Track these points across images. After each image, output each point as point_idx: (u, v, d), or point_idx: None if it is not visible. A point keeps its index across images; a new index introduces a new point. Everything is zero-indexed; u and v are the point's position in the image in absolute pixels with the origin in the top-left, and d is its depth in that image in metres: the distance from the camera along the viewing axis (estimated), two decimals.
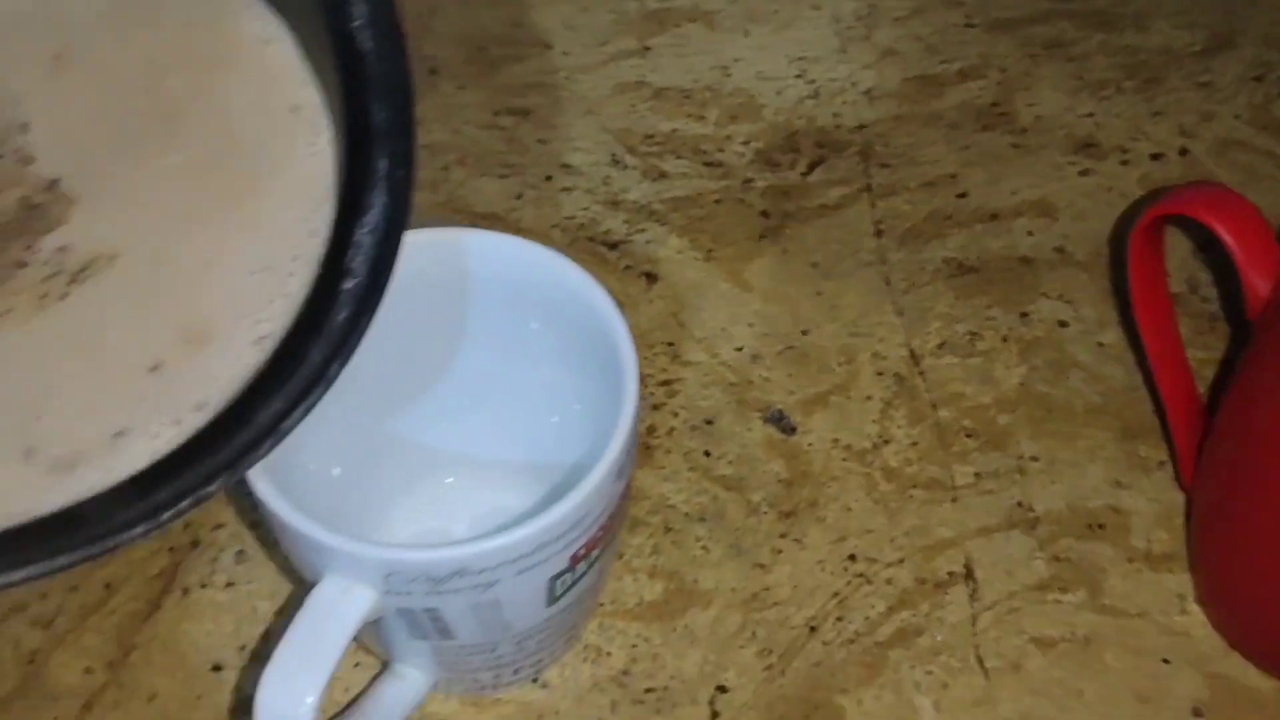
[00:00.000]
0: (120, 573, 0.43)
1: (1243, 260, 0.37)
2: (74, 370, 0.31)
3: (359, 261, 0.30)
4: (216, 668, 0.41)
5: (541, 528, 0.32)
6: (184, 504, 0.29)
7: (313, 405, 0.30)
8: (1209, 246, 0.51)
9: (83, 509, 0.29)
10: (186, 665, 0.41)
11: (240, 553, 0.43)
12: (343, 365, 0.30)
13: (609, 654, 0.42)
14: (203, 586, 0.43)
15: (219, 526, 0.44)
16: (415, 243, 0.37)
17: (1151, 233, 0.40)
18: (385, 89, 0.30)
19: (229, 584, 0.43)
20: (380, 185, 0.30)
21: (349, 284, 0.30)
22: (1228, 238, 0.37)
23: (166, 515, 0.29)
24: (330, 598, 0.32)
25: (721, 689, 0.41)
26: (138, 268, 0.31)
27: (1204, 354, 0.48)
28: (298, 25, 0.33)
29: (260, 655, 0.41)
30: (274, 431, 0.30)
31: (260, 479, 0.33)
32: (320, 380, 0.30)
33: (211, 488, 0.29)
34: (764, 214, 0.52)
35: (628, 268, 0.50)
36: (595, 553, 0.35)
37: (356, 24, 0.30)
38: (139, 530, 0.28)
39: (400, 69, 0.30)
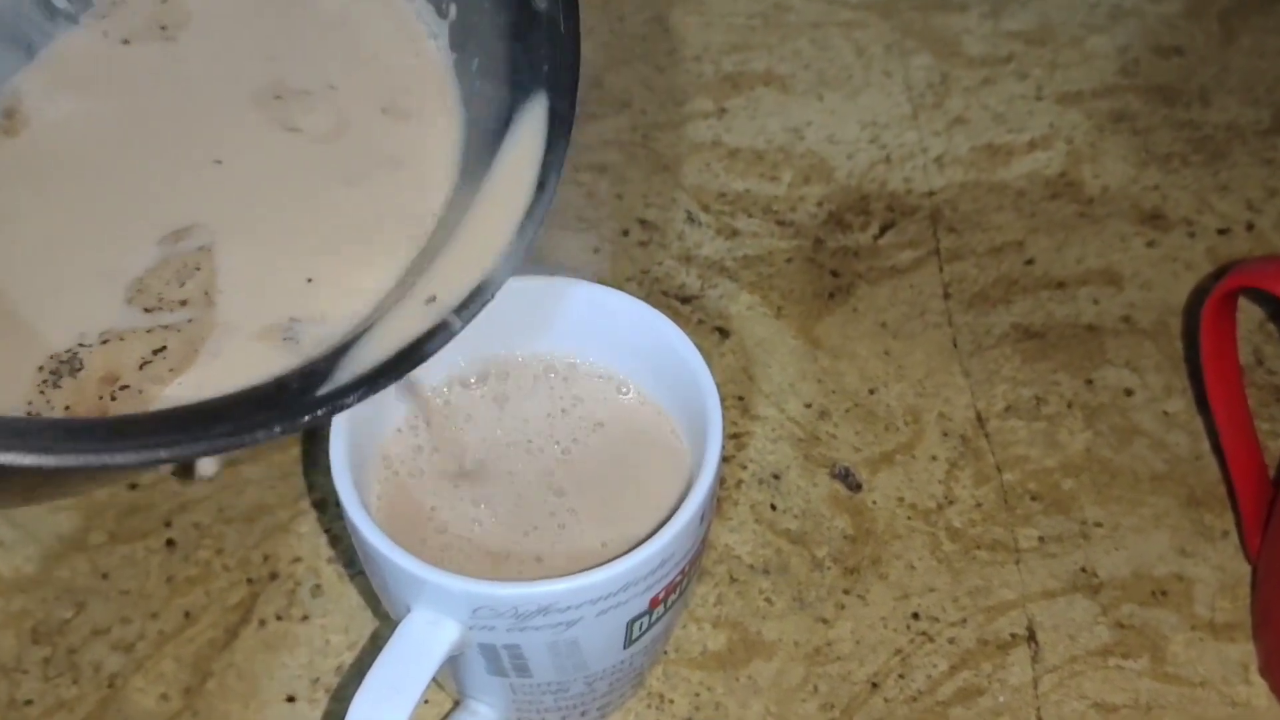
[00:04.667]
0: (199, 602, 0.44)
1: None
2: None
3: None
4: (290, 699, 0.42)
5: (627, 568, 0.33)
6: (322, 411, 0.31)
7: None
8: (1278, 319, 0.51)
9: (228, 404, 0.31)
10: (260, 695, 0.42)
11: (316, 587, 0.44)
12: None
13: (672, 701, 0.42)
14: (279, 618, 0.44)
15: (296, 560, 0.45)
16: (507, 290, 0.39)
17: (1225, 304, 0.41)
18: None
19: (304, 617, 0.44)
20: None
21: None
22: None
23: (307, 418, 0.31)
24: (419, 629, 0.33)
25: None
26: None
27: (1268, 426, 0.49)
28: None
29: (332, 688, 0.42)
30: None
31: (356, 511, 0.34)
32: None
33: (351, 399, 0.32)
34: (834, 273, 0.53)
35: (700, 322, 0.52)
36: (672, 598, 0.36)
37: None
38: (276, 430, 0.30)
39: None
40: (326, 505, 0.46)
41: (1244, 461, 0.44)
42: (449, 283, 0.34)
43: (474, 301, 0.33)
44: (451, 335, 0.33)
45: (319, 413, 0.31)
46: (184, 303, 0.34)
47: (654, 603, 0.35)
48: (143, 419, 0.30)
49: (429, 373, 0.39)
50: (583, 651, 0.35)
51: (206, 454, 0.30)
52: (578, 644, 0.35)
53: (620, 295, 0.39)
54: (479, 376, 0.40)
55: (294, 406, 0.31)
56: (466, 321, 0.33)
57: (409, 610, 0.34)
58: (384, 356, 0.32)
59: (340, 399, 0.31)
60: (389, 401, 0.38)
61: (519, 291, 0.39)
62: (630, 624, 0.35)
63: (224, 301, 0.34)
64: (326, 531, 0.46)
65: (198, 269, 0.35)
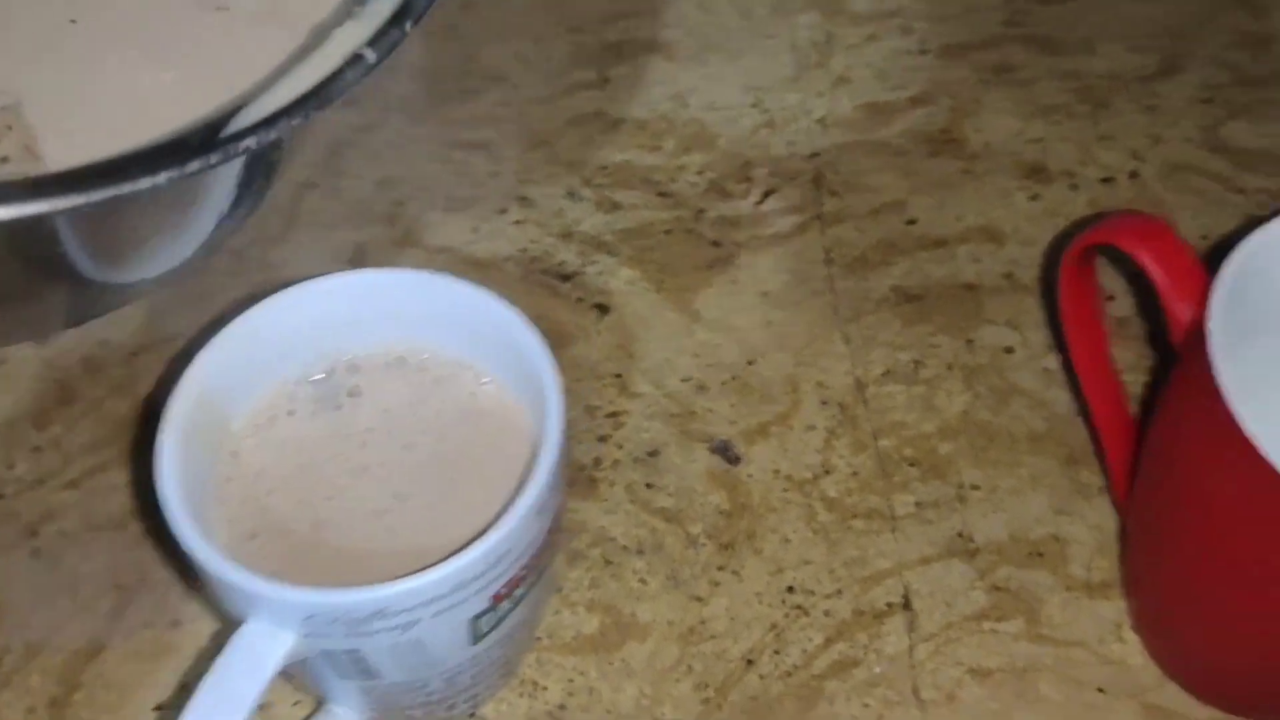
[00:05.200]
0: (66, 611, 0.43)
1: (1165, 287, 0.37)
2: None
3: None
4: (158, 708, 0.42)
5: (457, 568, 0.32)
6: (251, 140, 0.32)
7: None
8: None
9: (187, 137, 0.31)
10: (129, 705, 0.42)
11: (187, 591, 0.44)
12: None
13: (545, 688, 0.42)
14: (147, 626, 0.43)
15: (167, 564, 0.44)
16: (348, 284, 0.38)
17: (1082, 260, 0.41)
18: None
19: (174, 623, 0.43)
20: None
21: None
22: (1150, 265, 0.37)
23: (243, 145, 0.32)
24: (250, 641, 0.32)
25: None
26: None
27: (1146, 378, 0.48)
28: None
29: None
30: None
31: (184, 525, 0.33)
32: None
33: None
34: (715, 243, 0.53)
35: (580, 299, 0.51)
36: (519, 591, 0.36)
37: None
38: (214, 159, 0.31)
39: None
40: None
41: (1108, 416, 0.44)
42: (366, 24, 0.34)
43: (392, 30, 0.33)
44: (368, 68, 0.33)
45: (211, 157, 0.31)
46: (4, 159, 0.34)
47: (497, 598, 0.34)
48: (42, 178, 0.30)
49: (269, 369, 0.39)
50: (428, 651, 0.35)
51: (100, 207, 0.30)
52: (422, 644, 0.34)
53: (460, 282, 0.38)
54: (327, 372, 0.39)
55: (189, 154, 0.31)
56: (383, 55, 0.33)
57: (244, 621, 0.33)
58: (295, 95, 0.32)
59: (240, 140, 0.32)
60: (235, 398, 0.38)
61: (353, 286, 0.38)
62: (474, 621, 0.35)
63: (52, 153, 0.34)
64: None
65: (9, 128, 0.34)
